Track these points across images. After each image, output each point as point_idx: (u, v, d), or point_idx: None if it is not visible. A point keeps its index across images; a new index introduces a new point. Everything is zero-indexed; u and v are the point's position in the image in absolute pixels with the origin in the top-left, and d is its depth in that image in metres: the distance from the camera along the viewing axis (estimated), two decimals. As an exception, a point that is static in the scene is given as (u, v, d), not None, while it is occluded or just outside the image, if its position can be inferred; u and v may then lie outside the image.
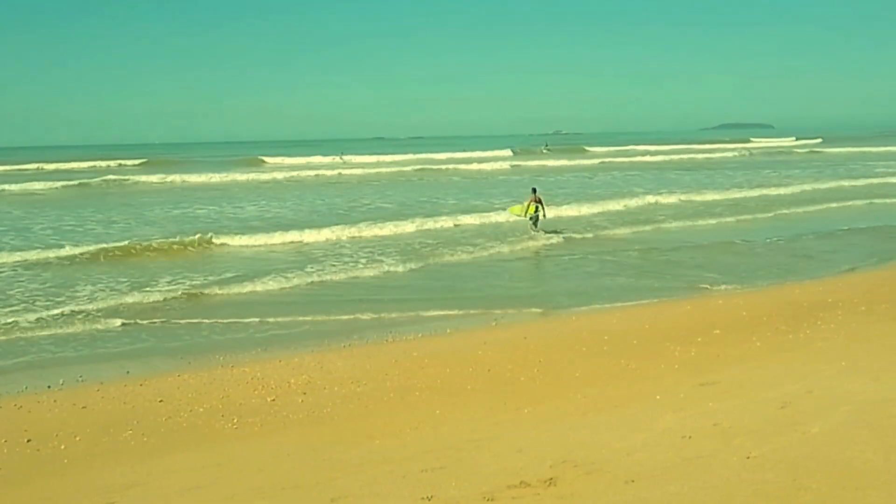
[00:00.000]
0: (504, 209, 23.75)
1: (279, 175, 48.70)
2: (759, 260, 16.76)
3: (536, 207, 20.24)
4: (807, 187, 33.31)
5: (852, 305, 11.26)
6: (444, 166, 57.13)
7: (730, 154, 71.19)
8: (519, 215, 21.01)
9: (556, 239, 19.67)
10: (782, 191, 32.15)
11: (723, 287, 13.68)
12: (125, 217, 26.41)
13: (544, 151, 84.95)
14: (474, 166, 56.43)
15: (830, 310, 11.03)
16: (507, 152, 77.84)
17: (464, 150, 79.24)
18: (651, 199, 28.91)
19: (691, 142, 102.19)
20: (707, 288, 13.66)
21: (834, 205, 27.16)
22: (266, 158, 71.96)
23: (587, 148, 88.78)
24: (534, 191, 21.07)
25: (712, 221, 23.40)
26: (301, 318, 11.91)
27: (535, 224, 20.35)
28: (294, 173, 50.24)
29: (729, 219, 23.90)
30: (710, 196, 30.32)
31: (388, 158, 69.58)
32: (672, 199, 29.34)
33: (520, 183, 38.89)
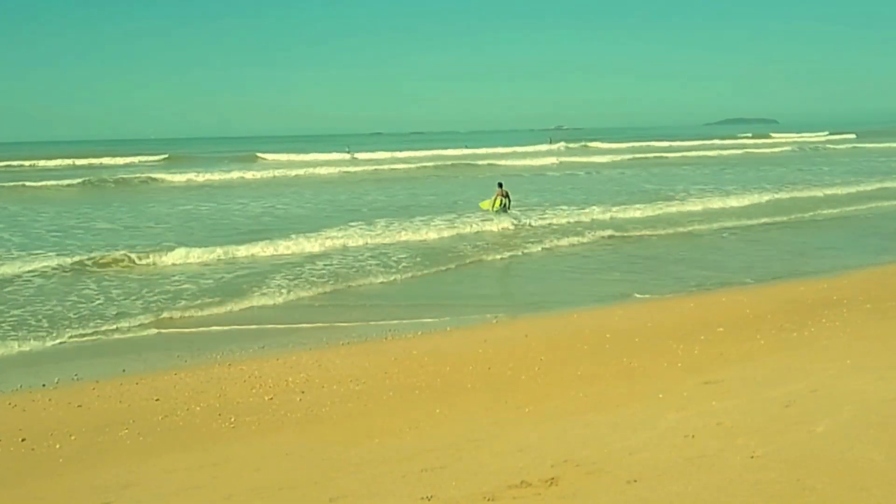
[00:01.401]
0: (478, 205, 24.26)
1: (286, 172, 47.61)
2: None
3: (503, 202, 22.24)
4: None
5: (857, 303, 11.19)
6: (482, 161, 54.86)
7: (786, 149, 68.99)
8: (488, 209, 22.73)
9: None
10: None
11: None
12: (132, 215, 26.34)
13: (552, 146, 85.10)
14: (521, 162, 53.99)
15: (835, 307, 10.96)
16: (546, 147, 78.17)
17: (466, 147, 79.10)
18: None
19: (705, 137, 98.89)
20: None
21: None
22: (263, 155, 70.98)
23: (599, 144, 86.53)
24: (500, 185, 22.96)
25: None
26: (301, 320, 11.81)
27: (503, 212, 22.31)
28: (300, 171, 48.89)
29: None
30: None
31: (402, 154, 67.34)
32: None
33: (559, 180, 38.67)
